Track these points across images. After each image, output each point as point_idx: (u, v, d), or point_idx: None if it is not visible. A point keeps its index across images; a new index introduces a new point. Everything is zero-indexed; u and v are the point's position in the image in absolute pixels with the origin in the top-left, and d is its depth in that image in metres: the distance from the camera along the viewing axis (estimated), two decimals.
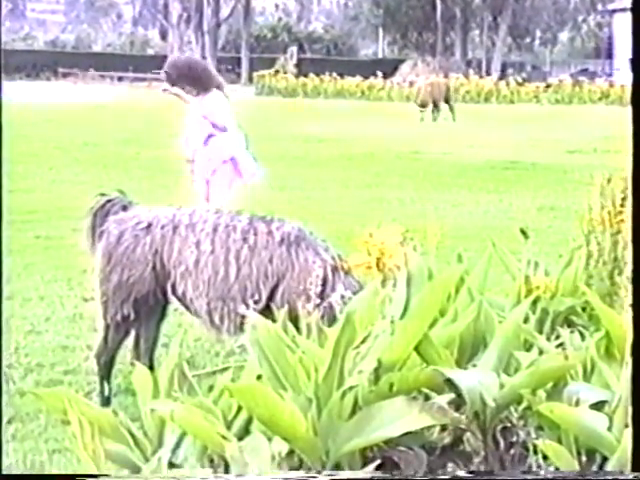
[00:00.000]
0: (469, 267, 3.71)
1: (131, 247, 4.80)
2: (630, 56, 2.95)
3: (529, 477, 2.75)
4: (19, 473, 4.08)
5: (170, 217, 4.84)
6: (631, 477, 2.54)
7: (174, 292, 4.83)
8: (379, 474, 2.68)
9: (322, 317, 3.29)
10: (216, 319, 4.76)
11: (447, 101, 28.19)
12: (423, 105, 27.33)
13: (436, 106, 27.75)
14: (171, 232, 4.78)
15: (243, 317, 4.48)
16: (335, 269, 4.61)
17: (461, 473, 2.73)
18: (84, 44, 70.26)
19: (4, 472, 3.58)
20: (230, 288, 4.69)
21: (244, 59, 59.37)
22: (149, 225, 4.82)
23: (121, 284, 4.81)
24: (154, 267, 4.80)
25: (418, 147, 18.83)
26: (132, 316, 4.84)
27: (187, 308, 4.91)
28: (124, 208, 4.97)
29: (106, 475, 2.74)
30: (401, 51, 67.20)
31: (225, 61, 58.66)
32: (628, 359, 2.67)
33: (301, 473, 2.64)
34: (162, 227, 4.80)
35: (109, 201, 5.02)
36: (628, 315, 2.79)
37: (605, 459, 2.62)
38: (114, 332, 4.89)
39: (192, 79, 7.62)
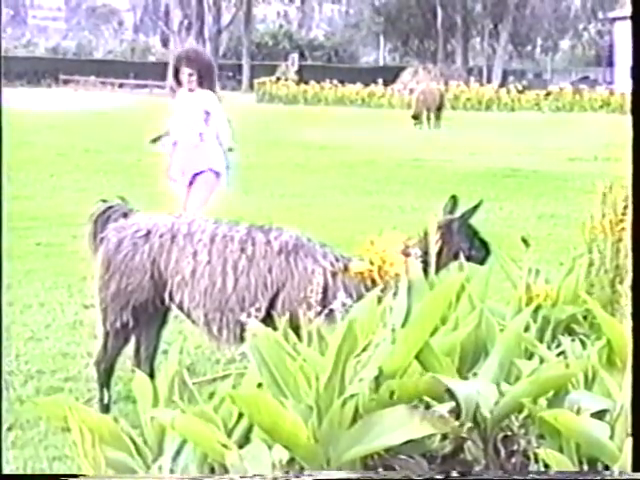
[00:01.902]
0: (470, 275, 3.71)
1: (130, 255, 4.80)
2: (631, 64, 2.96)
3: (517, 477, 2.74)
4: (19, 473, 4.09)
5: (169, 226, 4.83)
6: (626, 477, 2.54)
7: (172, 301, 4.83)
8: (367, 473, 2.68)
9: (323, 324, 3.28)
10: (214, 330, 4.75)
11: (439, 108, 28.11)
12: (416, 117, 27.26)
13: (429, 114, 27.68)
14: (169, 241, 4.78)
15: (242, 327, 4.48)
16: (334, 275, 4.61)
17: (453, 474, 2.73)
18: (85, 51, 70.36)
19: (4, 472, 3.58)
20: (228, 299, 4.68)
21: (245, 66, 59.44)
22: (148, 233, 4.82)
23: (120, 291, 4.81)
24: (152, 275, 4.79)
25: (419, 154, 18.85)
26: (131, 323, 4.84)
27: (187, 316, 4.91)
28: (125, 215, 4.97)
29: (105, 477, 2.74)
30: (402, 58, 67.30)
31: (226, 68, 58.71)
32: (630, 367, 2.67)
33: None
34: (161, 236, 4.80)
35: (110, 208, 5.02)
36: (629, 323, 2.78)
37: (607, 468, 2.61)
38: (113, 339, 4.89)
39: (203, 68, 7.64)
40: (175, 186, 7.87)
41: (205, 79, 7.63)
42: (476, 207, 4.95)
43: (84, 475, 2.72)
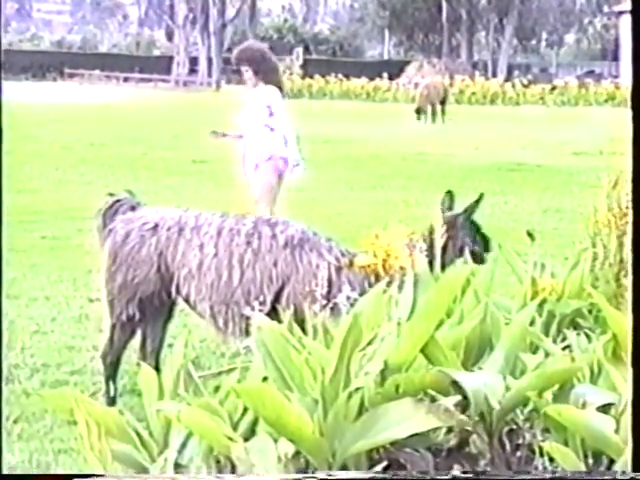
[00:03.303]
0: (475, 269, 3.71)
1: (137, 247, 4.81)
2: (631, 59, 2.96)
3: (525, 477, 2.75)
4: (19, 473, 4.09)
5: (176, 219, 4.84)
6: (629, 477, 2.54)
7: (179, 294, 4.84)
8: (375, 474, 2.68)
9: (329, 318, 3.29)
10: (220, 323, 4.76)
11: (442, 102, 28.06)
12: (419, 111, 27.22)
13: (434, 108, 27.64)
14: (176, 234, 4.79)
15: (248, 321, 4.49)
16: (339, 269, 4.61)
17: (457, 473, 2.73)
18: (90, 45, 70.27)
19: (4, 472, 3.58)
20: (234, 292, 4.69)
21: None
22: (155, 226, 4.83)
23: (126, 284, 4.82)
24: (159, 268, 4.80)
25: (423, 149, 18.83)
26: (137, 316, 4.85)
27: (193, 309, 4.92)
28: (132, 208, 4.98)
29: (102, 475, 2.74)
30: (407, 52, 67.15)
31: (231, 62, 58.58)
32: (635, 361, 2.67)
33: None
34: (168, 229, 4.81)
35: (118, 201, 5.03)
36: (630, 319, 2.79)
37: (612, 462, 2.61)
38: (120, 332, 4.90)
39: (255, 64, 7.71)
40: (247, 179, 7.87)
41: (264, 74, 7.70)
42: (478, 201, 4.92)
43: (89, 476, 2.73)
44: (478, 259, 4.63)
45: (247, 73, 7.72)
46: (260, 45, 8.53)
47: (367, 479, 2.68)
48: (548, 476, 2.69)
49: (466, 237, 4.81)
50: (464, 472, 2.74)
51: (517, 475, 2.74)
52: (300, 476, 2.64)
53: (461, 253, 4.54)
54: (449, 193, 4.97)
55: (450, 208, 4.90)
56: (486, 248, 4.83)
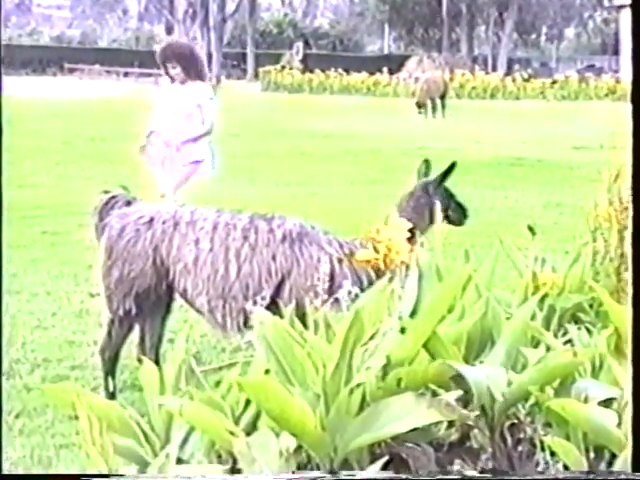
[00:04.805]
0: (476, 263, 3.70)
1: (132, 241, 4.81)
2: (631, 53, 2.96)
3: (538, 477, 2.74)
4: (19, 473, 4.08)
5: (172, 213, 4.85)
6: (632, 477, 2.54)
7: (175, 289, 4.83)
8: (389, 474, 2.68)
9: (330, 312, 3.28)
10: (218, 317, 4.76)
11: (443, 97, 28.06)
12: (420, 106, 27.22)
13: (434, 102, 27.64)
14: (172, 228, 4.79)
15: (246, 315, 4.51)
16: (341, 261, 4.62)
17: (470, 472, 2.73)
18: (90, 39, 70.21)
19: (4, 472, 3.58)
20: (231, 286, 4.69)
21: (250, 55, 59.30)
22: (151, 220, 4.82)
23: (122, 278, 4.81)
24: (154, 262, 4.80)
25: (424, 143, 18.80)
26: (134, 310, 4.85)
27: (191, 305, 4.91)
28: (128, 204, 4.98)
29: (107, 475, 2.74)
30: (407, 47, 67.09)
31: (231, 57, 58.65)
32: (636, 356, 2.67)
33: (317, 473, 2.65)
34: (163, 222, 4.81)
35: (113, 197, 5.03)
36: (630, 314, 2.79)
37: (614, 456, 2.61)
38: (118, 327, 4.90)
39: (186, 63, 7.70)
40: (160, 178, 7.93)
41: (190, 70, 7.70)
42: (450, 169, 5.11)
43: (88, 476, 2.73)
44: (456, 223, 5.07)
45: (174, 70, 7.72)
46: (187, 42, 8.61)
47: (383, 479, 2.68)
48: (561, 476, 2.69)
49: (440, 203, 4.94)
50: (482, 471, 2.73)
51: (530, 475, 2.74)
52: (324, 476, 2.64)
53: (432, 220, 4.72)
54: (426, 161, 5.18)
55: (427, 175, 5.15)
56: (464, 214, 5.18)
